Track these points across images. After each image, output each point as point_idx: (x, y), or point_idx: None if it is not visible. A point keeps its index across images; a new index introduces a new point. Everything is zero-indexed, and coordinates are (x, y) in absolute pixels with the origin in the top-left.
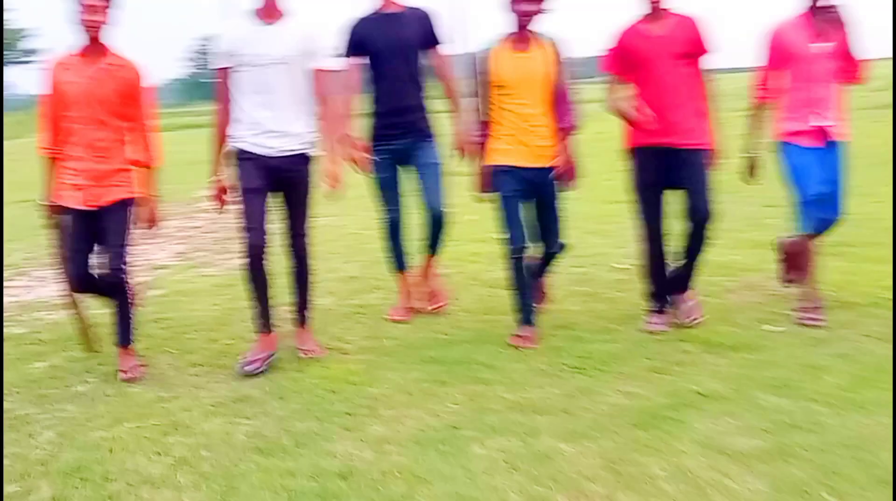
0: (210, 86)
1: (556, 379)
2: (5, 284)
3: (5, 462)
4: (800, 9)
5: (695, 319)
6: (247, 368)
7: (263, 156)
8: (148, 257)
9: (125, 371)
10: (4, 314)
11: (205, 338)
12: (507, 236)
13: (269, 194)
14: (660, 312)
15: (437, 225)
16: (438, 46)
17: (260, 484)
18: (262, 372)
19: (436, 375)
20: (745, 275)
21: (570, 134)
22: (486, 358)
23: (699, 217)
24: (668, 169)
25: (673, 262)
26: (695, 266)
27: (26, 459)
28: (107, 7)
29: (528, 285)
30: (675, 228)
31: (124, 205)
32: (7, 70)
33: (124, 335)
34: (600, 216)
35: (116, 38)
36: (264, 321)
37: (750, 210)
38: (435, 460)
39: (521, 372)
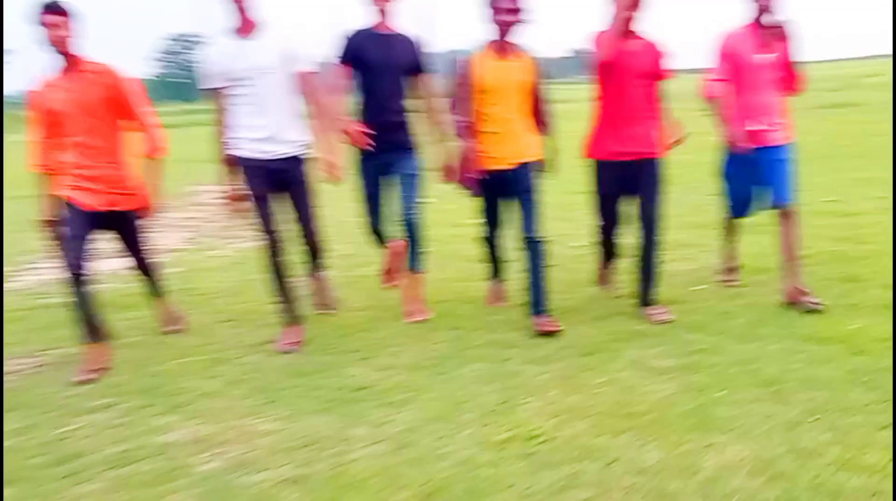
0: (179, 85)
1: (522, 325)
2: (31, 266)
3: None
4: (745, 21)
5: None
6: (282, 349)
7: (263, 160)
8: (161, 242)
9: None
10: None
11: (228, 302)
12: (484, 227)
13: (273, 194)
14: (607, 280)
15: (411, 232)
16: (423, 73)
17: (297, 395)
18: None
19: (426, 324)
20: (684, 250)
21: (545, 135)
22: (466, 311)
23: (650, 223)
24: (624, 179)
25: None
26: (653, 274)
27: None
28: (67, 22)
29: (498, 268)
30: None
31: (131, 216)
32: None
33: (156, 289)
34: (564, 205)
35: (83, 44)
36: (289, 312)
37: (695, 198)
38: (428, 378)
39: (496, 321)
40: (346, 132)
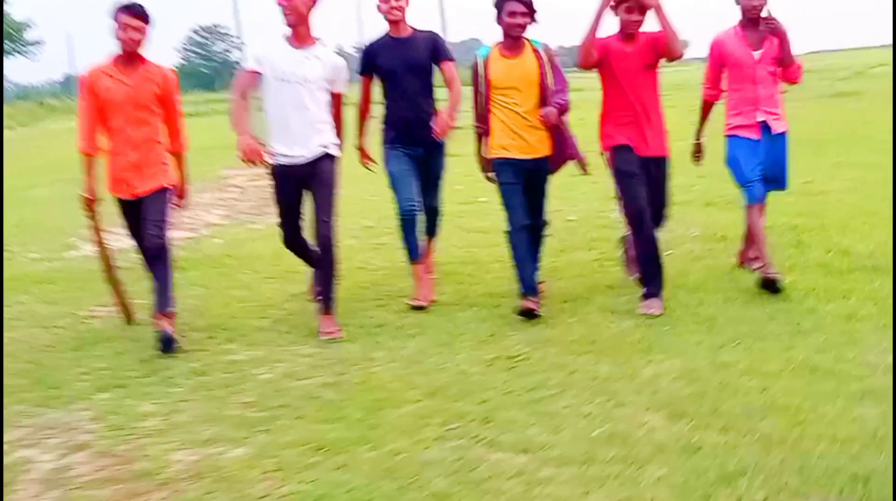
0: (201, 75)
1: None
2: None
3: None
4: (739, 19)
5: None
6: (324, 337)
7: (292, 165)
8: (201, 220)
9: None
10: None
11: (267, 264)
12: (509, 217)
13: (301, 201)
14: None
15: (431, 217)
16: (446, 61)
17: None
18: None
19: (435, 280)
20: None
21: (558, 127)
22: (470, 271)
23: (658, 218)
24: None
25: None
26: (657, 267)
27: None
28: (143, 28)
29: (527, 259)
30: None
31: (163, 191)
32: (12, 61)
33: (164, 301)
34: (564, 185)
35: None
36: (325, 303)
37: (685, 179)
38: (434, 318)
39: (495, 279)
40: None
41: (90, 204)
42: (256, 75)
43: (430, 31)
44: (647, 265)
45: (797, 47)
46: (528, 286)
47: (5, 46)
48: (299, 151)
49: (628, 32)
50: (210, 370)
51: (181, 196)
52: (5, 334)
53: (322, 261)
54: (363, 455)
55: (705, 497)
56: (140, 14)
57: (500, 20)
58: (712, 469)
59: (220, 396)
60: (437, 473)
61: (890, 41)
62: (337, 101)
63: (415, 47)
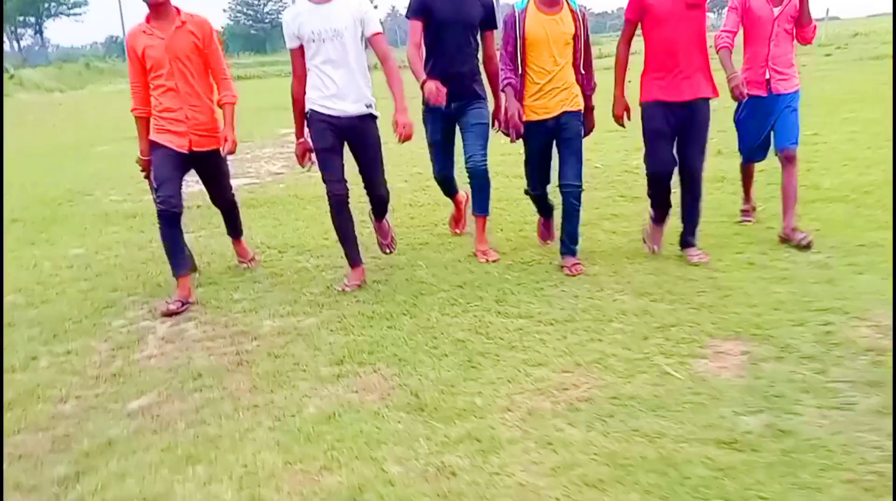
0: (251, 37)
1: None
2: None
3: None
4: None
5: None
6: (346, 289)
7: (333, 116)
8: (264, 170)
9: (245, 261)
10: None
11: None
12: (529, 180)
13: (342, 149)
14: (660, 219)
15: (477, 180)
16: (492, 31)
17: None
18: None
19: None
20: None
21: (590, 93)
22: (503, 205)
23: (692, 167)
24: (676, 121)
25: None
26: (695, 216)
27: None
28: None
29: (548, 211)
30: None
31: (218, 151)
32: (56, 23)
33: (236, 229)
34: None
35: None
36: (353, 257)
37: None
38: (467, 239)
39: (524, 210)
40: (424, 89)
41: (146, 165)
42: (300, 51)
43: None
44: (655, 204)
45: (859, 9)
46: (568, 250)
47: (49, 9)
48: (342, 106)
49: None
50: (285, 273)
51: (229, 145)
52: (109, 254)
53: (377, 207)
54: (405, 320)
55: (644, 337)
56: None
57: None
58: (655, 323)
59: (295, 288)
60: (458, 330)
61: None
62: (377, 41)
63: (470, 3)
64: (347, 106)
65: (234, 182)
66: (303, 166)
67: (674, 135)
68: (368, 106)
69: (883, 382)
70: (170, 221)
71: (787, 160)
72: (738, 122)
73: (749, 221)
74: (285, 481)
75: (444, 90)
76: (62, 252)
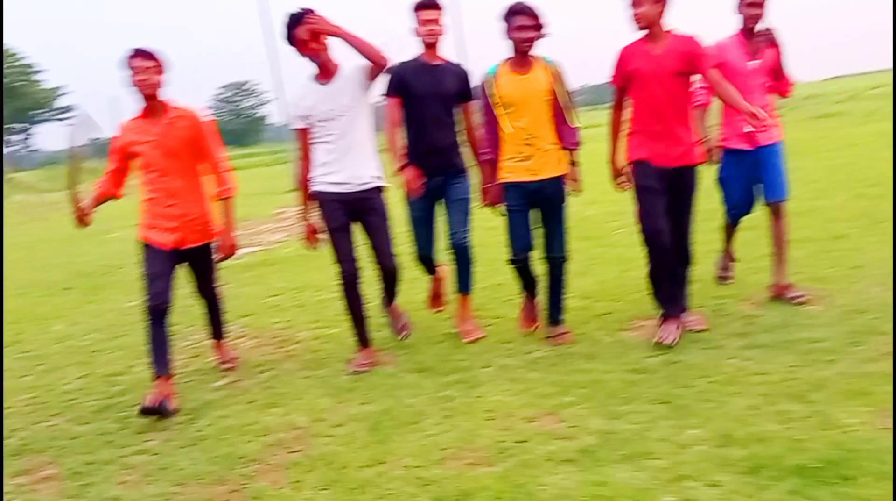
0: (233, 131)
1: None
2: None
3: None
4: (737, 29)
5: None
6: (356, 370)
7: (341, 193)
8: (267, 240)
9: (225, 360)
10: None
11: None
12: (511, 244)
13: (351, 226)
14: (672, 317)
15: (461, 257)
16: (470, 102)
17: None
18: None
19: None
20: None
21: (572, 151)
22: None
23: (682, 233)
24: (665, 185)
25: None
26: (685, 281)
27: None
28: (158, 67)
29: (532, 286)
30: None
31: (208, 245)
32: (44, 127)
33: (218, 329)
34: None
35: (168, 89)
36: (362, 337)
37: None
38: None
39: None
40: (401, 174)
41: (81, 212)
42: (306, 132)
43: (461, 65)
44: (659, 286)
45: (815, 73)
46: (554, 319)
47: (36, 114)
48: (350, 180)
49: (653, 32)
50: (301, 296)
51: (227, 247)
52: None
53: (387, 283)
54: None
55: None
56: (148, 55)
57: (508, 34)
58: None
59: (315, 310)
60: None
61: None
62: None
63: (446, 76)
64: (355, 180)
65: (244, 250)
66: (312, 247)
67: (664, 194)
68: (375, 178)
69: None
70: (157, 317)
71: (777, 213)
72: (722, 181)
73: (731, 280)
74: (330, 411)
75: (420, 181)
76: (119, 306)
